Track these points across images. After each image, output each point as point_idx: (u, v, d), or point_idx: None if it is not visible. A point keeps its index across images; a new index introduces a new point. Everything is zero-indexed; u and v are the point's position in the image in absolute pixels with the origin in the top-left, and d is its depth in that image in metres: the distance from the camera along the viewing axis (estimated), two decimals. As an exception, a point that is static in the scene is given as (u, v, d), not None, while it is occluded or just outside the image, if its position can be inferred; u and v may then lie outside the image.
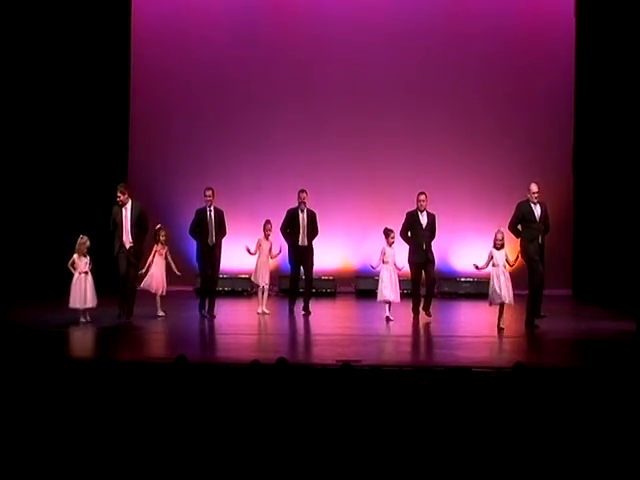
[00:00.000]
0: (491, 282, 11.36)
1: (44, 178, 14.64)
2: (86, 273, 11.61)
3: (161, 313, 12.33)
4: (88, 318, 11.59)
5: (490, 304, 11.44)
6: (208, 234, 12.35)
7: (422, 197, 12.55)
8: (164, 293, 12.48)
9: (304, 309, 12.78)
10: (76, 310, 11.57)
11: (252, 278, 13.05)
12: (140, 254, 11.89)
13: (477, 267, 11.50)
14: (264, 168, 16.15)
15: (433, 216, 12.60)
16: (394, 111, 16.15)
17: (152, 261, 12.36)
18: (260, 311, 12.80)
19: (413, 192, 12.85)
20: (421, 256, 12.30)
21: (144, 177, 15.82)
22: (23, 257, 14.19)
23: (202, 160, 16.14)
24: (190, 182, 15.49)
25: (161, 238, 12.48)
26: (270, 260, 12.98)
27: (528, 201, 11.55)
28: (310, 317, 12.63)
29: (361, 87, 16.22)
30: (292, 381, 6.12)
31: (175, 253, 13.00)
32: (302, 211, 12.93)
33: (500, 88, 16.10)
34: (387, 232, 12.34)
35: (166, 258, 12.51)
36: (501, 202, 13.81)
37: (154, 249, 12.44)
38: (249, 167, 16.13)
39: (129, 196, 11.82)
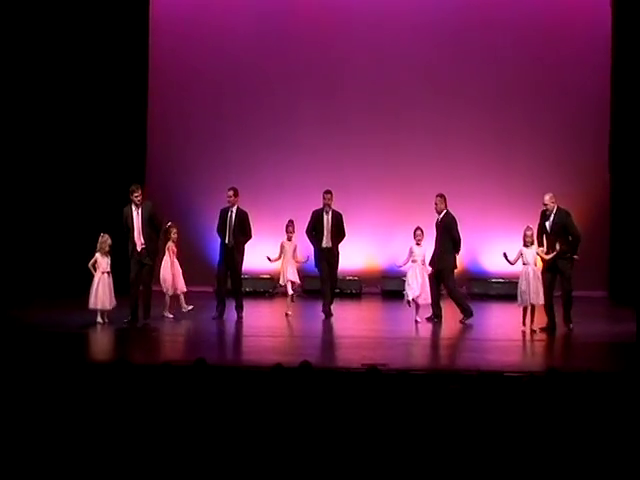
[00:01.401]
0: (520, 281, 11.36)
1: (60, 176, 14.76)
2: (108, 273, 11.65)
3: (168, 314, 12.31)
4: (106, 319, 11.65)
5: (519, 304, 11.39)
6: (226, 235, 12.38)
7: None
8: (178, 292, 12.48)
9: (324, 311, 12.78)
10: (95, 311, 11.62)
11: (280, 281, 12.95)
12: (155, 253, 11.91)
13: (506, 257, 11.43)
14: (287, 166, 16.12)
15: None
16: (421, 107, 16.06)
17: (163, 260, 12.36)
18: (290, 312, 12.75)
19: (441, 190, 12.80)
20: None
21: (162, 174, 15.87)
22: (39, 256, 14.31)
23: (222, 157, 16.13)
24: (210, 180, 15.52)
25: (172, 236, 12.48)
26: (295, 262, 12.92)
27: (544, 212, 11.54)
28: (334, 319, 12.61)
29: (387, 82, 16.14)
30: (316, 385, 6.09)
31: (195, 252, 13.03)
32: (327, 213, 12.92)
33: (532, 83, 15.94)
34: (415, 229, 12.32)
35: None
36: (533, 200, 13.70)
37: (166, 247, 12.42)
38: (271, 164, 16.11)
39: (144, 196, 11.88)
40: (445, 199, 12.45)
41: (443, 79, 16.10)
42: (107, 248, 11.63)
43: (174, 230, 12.49)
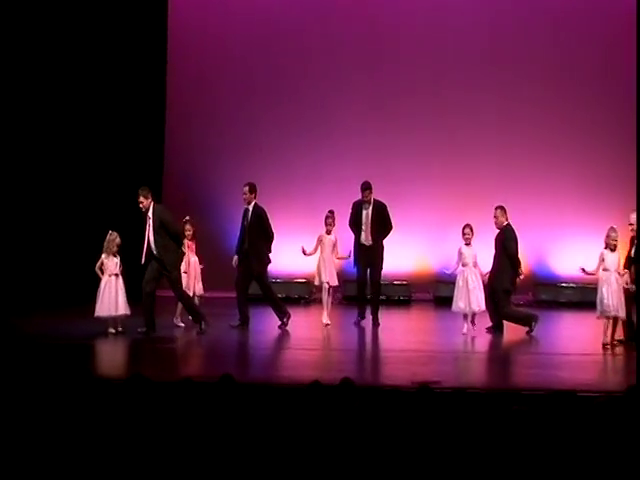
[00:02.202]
0: (600, 289, 11.15)
1: (65, 172, 15.13)
2: (117, 276, 11.74)
3: (179, 322, 12.42)
4: (119, 328, 11.77)
5: (598, 316, 11.28)
6: (242, 238, 12.50)
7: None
8: (196, 293, 12.59)
9: (372, 320, 12.84)
10: (104, 319, 11.73)
11: (315, 281, 13.00)
12: (174, 265, 11.76)
13: (585, 271, 11.35)
14: (324, 153, 16.22)
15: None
16: (482, 88, 16.04)
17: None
18: (326, 321, 12.83)
19: (503, 182, 12.79)
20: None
21: (182, 168, 16.18)
22: (42, 260, 14.61)
23: (250, 144, 16.32)
24: (235, 171, 15.69)
25: (191, 230, 12.56)
26: (335, 260, 12.96)
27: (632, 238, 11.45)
28: (380, 329, 12.64)
29: (441, 58, 16.18)
30: (359, 406, 6.08)
31: (218, 253, 13.07)
32: (366, 208, 12.97)
33: (607, 74, 15.80)
34: (463, 228, 12.22)
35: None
36: (611, 196, 13.63)
37: (185, 245, 12.42)
38: (306, 152, 16.23)
39: (152, 200, 11.81)
40: (505, 212, 12.34)
41: (509, 56, 16.04)
42: (115, 248, 11.71)
43: (188, 226, 12.52)
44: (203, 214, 14.71)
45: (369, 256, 12.89)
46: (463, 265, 12.08)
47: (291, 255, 13.53)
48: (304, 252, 12.76)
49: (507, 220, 12.35)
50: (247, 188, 12.46)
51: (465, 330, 12.00)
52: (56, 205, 14.91)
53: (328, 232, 12.78)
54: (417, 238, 16.00)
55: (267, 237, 12.38)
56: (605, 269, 11.16)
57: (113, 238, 11.74)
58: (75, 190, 15.07)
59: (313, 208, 14.46)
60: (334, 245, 12.81)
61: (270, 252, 12.44)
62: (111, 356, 10.96)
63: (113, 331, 11.71)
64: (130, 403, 6.02)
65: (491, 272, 12.26)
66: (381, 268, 13.03)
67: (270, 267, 12.72)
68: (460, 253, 12.11)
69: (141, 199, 11.67)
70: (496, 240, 12.30)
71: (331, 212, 12.75)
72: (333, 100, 16.30)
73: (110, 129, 15.45)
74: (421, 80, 16.23)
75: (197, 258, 12.70)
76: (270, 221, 12.44)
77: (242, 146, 16.36)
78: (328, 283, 12.73)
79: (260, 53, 16.52)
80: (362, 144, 16.13)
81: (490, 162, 15.74)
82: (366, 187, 12.94)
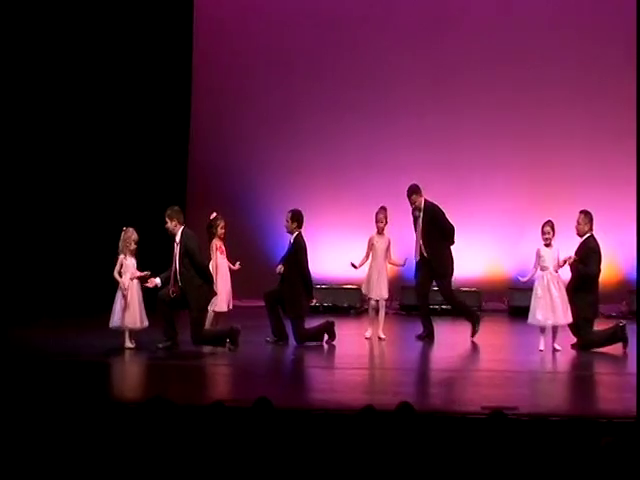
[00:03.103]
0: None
1: (78, 170, 15.45)
2: (138, 280, 11.75)
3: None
4: (134, 343, 11.81)
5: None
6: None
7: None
8: (230, 307, 12.64)
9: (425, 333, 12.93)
10: (120, 331, 11.76)
11: (363, 289, 13.07)
12: (199, 302, 11.73)
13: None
14: (377, 136, 16.25)
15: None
16: (567, 60, 15.93)
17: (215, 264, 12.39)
18: (369, 335, 12.86)
19: (592, 171, 12.65)
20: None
21: (209, 155, 16.30)
22: (47, 266, 14.80)
23: (289, 127, 16.40)
24: (273, 158, 15.87)
25: (219, 230, 12.49)
26: (388, 265, 13.01)
27: None
28: (444, 345, 12.71)
29: (513, 27, 16.08)
30: (419, 434, 6.10)
31: (250, 256, 13.07)
32: (416, 218, 13.00)
33: None
34: (543, 225, 12.03)
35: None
36: None
37: (212, 246, 12.45)
38: (356, 135, 16.26)
39: (178, 223, 11.77)
40: (591, 219, 12.14)
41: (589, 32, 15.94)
42: (133, 245, 11.68)
43: (221, 223, 12.50)
44: (233, 210, 14.84)
45: (431, 269, 12.94)
46: (542, 269, 11.86)
47: (338, 257, 13.52)
48: (354, 266, 12.82)
49: (591, 230, 12.13)
50: (289, 215, 12.60)
51: (542, 346, 11.89)
52: (63, 203, 15.25)
53: (380, 231, 12.80)
54: (488, 237, 16.01)
55: (303, 277, 12.44)
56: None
57: (129, 235, 11.69)
58: (87, 185, 15.44)
59: (365, 200, 14.43)
60: (387, 248, 12.84)
61: (309, 299, 12.59)
62: (129, 375, 11.05)
63: (132, 345, 11.75)
64: (149, 429, 6.07)
65: (567, 288, 12.06)
66: (448, 282, 13.05)
67: (319, 274, 13.01)
68: (538, 255, 11.90)
69: (166, 220, 11.71)
70: (576, 253, 12.18)
71: (383, 208, 12.76)
72: (386, 74, 16.36)
73: (129, 111, 15.81)
74: (492, 51, 16.20)
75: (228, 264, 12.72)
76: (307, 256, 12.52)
77: (280, 130, 16.48)
78: (379, 295, 12.84)
79: (299, 21, 16.65)
80: (421, 125, 16.17)
81: (576, 151, 15.59)
82: (411, 192, 12.94)
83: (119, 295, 11.71)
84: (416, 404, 6.67)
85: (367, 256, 12.83)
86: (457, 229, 13.04)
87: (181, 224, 11.76)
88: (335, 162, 15.90)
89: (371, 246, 12.81)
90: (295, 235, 12.47)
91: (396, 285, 14.50)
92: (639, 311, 12.05)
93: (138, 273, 11.75)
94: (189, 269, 11.62)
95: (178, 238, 11.66)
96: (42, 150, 15.02)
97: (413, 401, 6.74)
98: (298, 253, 12.40)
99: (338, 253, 13.77)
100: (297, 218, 12.51)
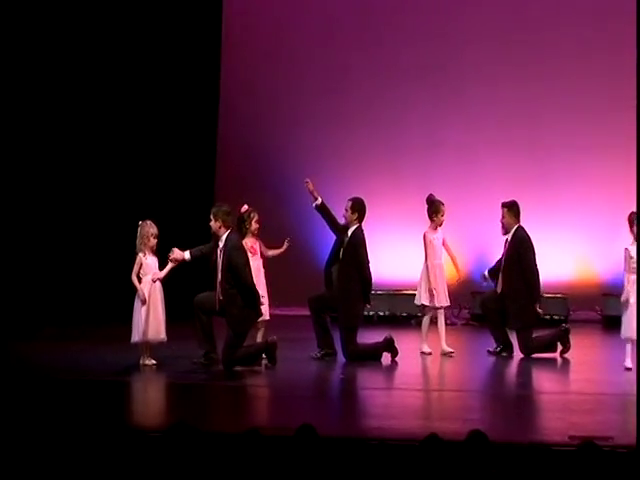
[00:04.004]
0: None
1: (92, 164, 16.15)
2: (160, 282, 11.75)
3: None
4: (151, 360, 11.80)
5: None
6: (328, 262, 12.88)
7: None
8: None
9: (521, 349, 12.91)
10: (141, 345, 11.77)
11: (416, 300, 13.16)
12: (236, 321, 11.77)
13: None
14: (443, 108, 16.28)
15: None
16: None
17: None
18: (427, 350, 12.98)
19: None
20: None
21: (240, 139, 16.68)
22: (50, 272, 15.17)
23: (337, 98, 16.53)
24: (317, 141, 16.10)
25: (253, 226, 12.52)
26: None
27: None
28: (523, 362, 12.70)
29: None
30: (494, 468, 6.18)
31: (289, 252, 13.13)
32: (506, 240, 12.94)
33: None
34: (629, 215, 11.73)
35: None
36: None
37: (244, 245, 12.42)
38: (420, 103, 16.30)
39: (224, 225, 11.87)
40: None
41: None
42: (153, 241, 11.65)
43: (255, 217, 12.55)
44: (268, 200, 15.04)
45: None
46: (633, 273, 11.53)
47: (396, 256, 13.46)
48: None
49: None
50: (349, 204, 12.66)
51: (628, 364, 11.67)
52: (72, 196, 15.83)
53: (435, 226, 12.90)
54: (577, 233, 16.06)
55: (362, 279, 12.55)
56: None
57: (147, 229, 11.67)
58: (98, 176, 16.06)
59: (429, 187, 14.35)
60: (443, 242, 12.93)
61: (364, 306, 12.75)
62: (147, 397, 11.05)
63: (148, 363, 11.73)
64: (171, 460, 6.21)
65: None
66: (528, 333, 12.96)
67: (372, 276, 12.85)
68: (629, 256, 11.60)
69: (210, 217, 11.81)
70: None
71: (432, 200, 12.80)
72: (454, 31, 16.56)
73: (155, 93, 16.59)
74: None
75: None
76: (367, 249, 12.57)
77: (323, 105, 16.68)
78: (439, 302, 12.96)
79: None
80: (494, 95, 16.25)
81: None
82: (505, 205, 12.89)
83: (138, 304, 11.68)
84: (490, 432, 6.68)
85: (427, 259, 12.93)
86: (540, 220, 13.13)
87: (227, 227, 11.87)
88: (393, 140, 15.99)
89: (429, 245, 12.89)
90: (354, 228, 12.55)
91: (465, 290, 14.39)
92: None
93: (160, 273, 11.74)
94: (230, 282, 11.70)
95: (222, 244, 11.77)
96: (46, 146, 15.72)
97: (486, 429, 6.76)
98: (357, 250, 12.47)
99: (396, 251, 13.73)
100: (359, 208, 12.60)
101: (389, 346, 12.61)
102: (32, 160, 15.43)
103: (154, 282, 11.70)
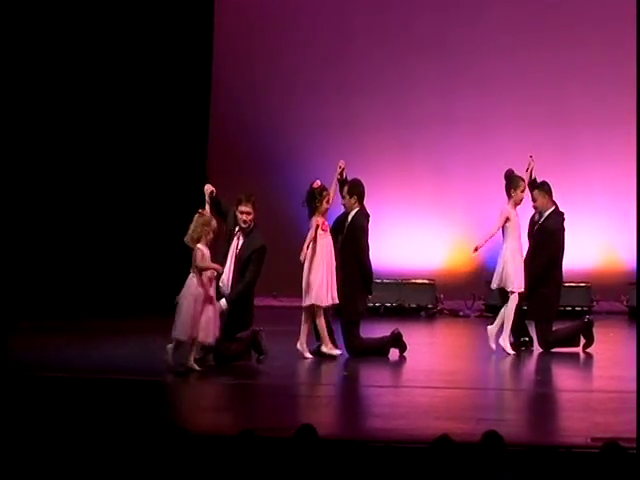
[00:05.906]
0: None
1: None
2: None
3: (306, 352, 12.31)
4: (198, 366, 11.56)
5: None
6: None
7: None
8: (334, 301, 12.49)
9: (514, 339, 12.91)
10: (188, 344, 11.45)
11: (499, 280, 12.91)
12: (241, 325, 11.82)
13: None
14: (460, 81, 16.21)
15: None
16: None
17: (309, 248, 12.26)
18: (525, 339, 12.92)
19: None
20: None
21: (233, 123, 16.52)
22: (50, 261, 15.38)
23: (341, 68, 16.43)
24: (320, 111, 16.01)
25: (323, 205, 12.24)
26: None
27: None
28: (541, 357, 12.68)
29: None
30: (509, 471, 6.18)
31: (289, 239, 13.02)
32: (534, 223, 12.86)
33: None
34: None
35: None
36: None
37: (312, 223, 12.25)
38: (435, 74, 16.22)
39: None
40: None
41: None
42: (211, 235, 11.39)
43: (326, 196, 12.20)
44: (263, 182, 15.08)
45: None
46: None
47: (405, 242, 13.32)
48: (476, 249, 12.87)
49: None
50: (345, 189, 12.50)
51: None
52: (72, 191, 16.03)
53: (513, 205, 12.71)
54: (602, 216, 16.02)
55: (361, 268, 12.44)
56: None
57: (208, 221, 11.45)
58: (95, 172, 16.26)
59: (442, 167, 14.28)
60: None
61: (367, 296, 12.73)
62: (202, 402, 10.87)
63: (199, 368, 11.37)
64: (155, 463, 6.26)
65: None
66: (547, 327, 12.92)
67: (377, 264, 12.74)
68: None
69: (248, 209, 11.77)
70: None
71: (510, 174, 12.58)
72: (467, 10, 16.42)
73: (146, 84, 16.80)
74: None
75: None
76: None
77: (324, 75, 16.63)
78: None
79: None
80: (512, 66, 16.08)
81: None
82: (534, 186, 12.78)
83: (189, 298, 11.27)
84: (505, 434, 6.70)
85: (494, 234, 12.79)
86: (561, 203, 12.94)
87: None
88: (401, 115, 16.02)
89: (506, 221, 12.66)
90: (354, 213, 12.42)
91: (479, 279, 14.42)
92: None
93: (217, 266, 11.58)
94: (244, 278, 11.82)
95: (242, 240, 11.82)
96: (43, 146, 16.08)
97: (501, 430, 6.74)
98: (356, 236, 12.37)
99: (405, 237, 13.57)
100: (357, 190, 12.44)
101: (397, 341, 12.50)
102: (17, 149, 15.66)
103: (211, 279, 11.50)
